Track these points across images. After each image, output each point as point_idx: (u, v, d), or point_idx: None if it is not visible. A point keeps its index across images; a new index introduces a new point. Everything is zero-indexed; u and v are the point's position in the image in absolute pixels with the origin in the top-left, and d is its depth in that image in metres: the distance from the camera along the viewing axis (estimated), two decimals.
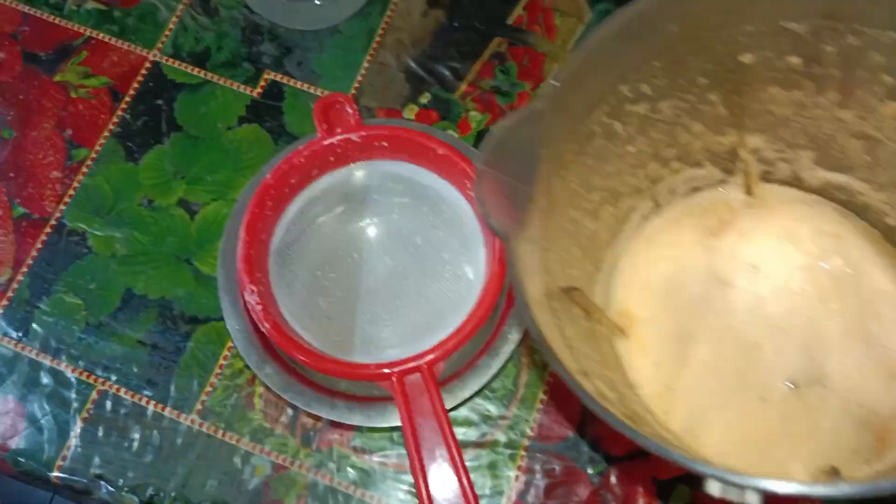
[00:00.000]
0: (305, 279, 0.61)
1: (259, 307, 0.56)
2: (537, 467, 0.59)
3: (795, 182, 0.58)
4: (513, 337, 0.59)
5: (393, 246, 0.63)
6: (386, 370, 0.55)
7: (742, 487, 0.36)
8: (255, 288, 0.57)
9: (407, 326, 0.60)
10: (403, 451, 0.59)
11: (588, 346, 0.50)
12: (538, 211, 0.45)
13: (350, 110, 0.61)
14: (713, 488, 0.37)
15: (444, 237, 0.62)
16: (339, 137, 0.61)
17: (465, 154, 0.59)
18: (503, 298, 0.60)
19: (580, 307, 0.52)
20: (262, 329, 0.56)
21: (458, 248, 0.61)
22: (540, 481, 0.58)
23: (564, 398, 0.60)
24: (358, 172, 0.63)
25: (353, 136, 0.61)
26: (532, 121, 0.44)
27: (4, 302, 0.64)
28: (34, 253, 0.65)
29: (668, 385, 0.55)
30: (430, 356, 0.55)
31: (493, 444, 0.59)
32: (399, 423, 0.55)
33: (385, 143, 0.61)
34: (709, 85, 0.52)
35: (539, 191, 0.45)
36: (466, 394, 0.57)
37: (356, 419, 0.57)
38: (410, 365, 0.55)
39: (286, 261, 0.61)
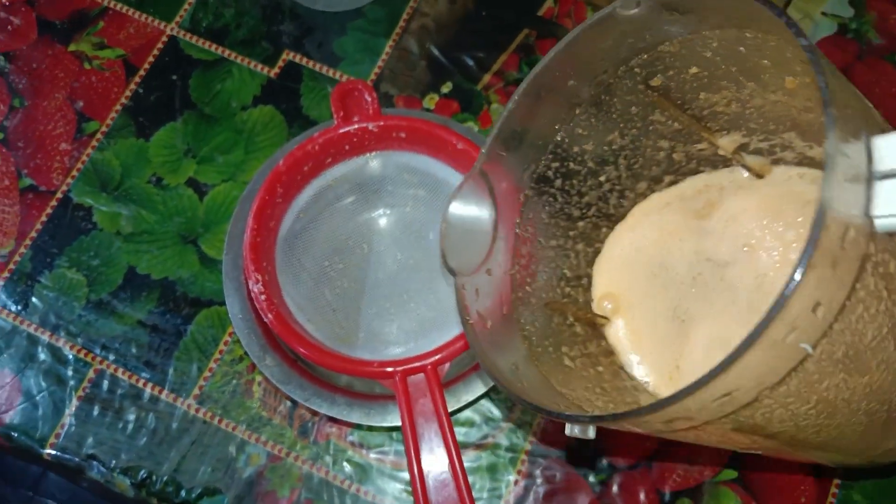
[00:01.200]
0: (312, 269, 0.60)
1: (263, 297, 0.55)
2: (537, 472, 0.57)
3: (807, 161, 0.57)
4: None
5: (404, 239, 0.62)
6: (389, 369, 0.53)
7: (583, 423, 0.41)
8: (259, 277, 0.56)
9: (414, 322, 0.59)
10: (401, 448, 0.58)
11: (572, 350, 0.52)
12: (503, 247, 0.51)
13: (369, 98, 0.60)
14: (567, 429, 0.42)
15: None
16: (355, 126, 0.59)
17: None
18: None
19: (574, 318, 0.53)
20: (265, 320, 0.55)
21: None
22: (539, 487, 0.57)
23: None
24: (373, 162, 0.61)
25: (371, 126, 0.59)
26: (478, 178, 0.50)
27: (5, 274, 0.63)
28: (38, 226, 0.64)
29: (675, 365, 0.54)
30: (436, 356, 0.53)
31: (493, 447, 0.58)
32: (399, 424, 0.54)
33: (403, 135, 0.60)
34: (643, 111, 0.52)
35: (503, 230, 0.51)
36: (470, 397, 0.56)
37: (356, 416, 0.56)
38: (415, 365, 0.53)
39: (294, 249, 0.59)
